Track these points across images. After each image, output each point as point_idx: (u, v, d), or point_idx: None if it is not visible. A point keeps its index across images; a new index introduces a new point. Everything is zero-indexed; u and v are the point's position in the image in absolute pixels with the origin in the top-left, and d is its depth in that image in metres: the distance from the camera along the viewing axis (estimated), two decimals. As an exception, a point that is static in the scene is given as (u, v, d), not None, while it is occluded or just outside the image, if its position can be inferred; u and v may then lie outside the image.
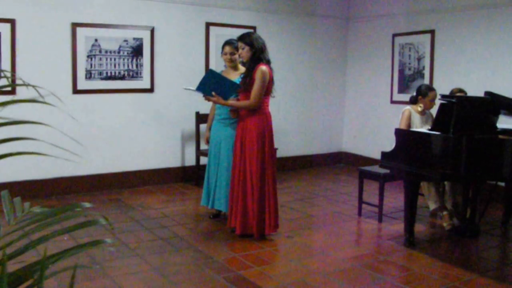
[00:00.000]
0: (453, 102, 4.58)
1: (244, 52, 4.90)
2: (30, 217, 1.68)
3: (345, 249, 4.88)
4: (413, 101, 5.80)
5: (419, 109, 5.72)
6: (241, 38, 4.94)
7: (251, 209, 4.89)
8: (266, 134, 4.90)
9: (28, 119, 1.75)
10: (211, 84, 4.93)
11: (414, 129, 5.56)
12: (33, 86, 1.57)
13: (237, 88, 4.99)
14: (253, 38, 4.91)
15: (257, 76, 4.79)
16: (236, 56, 5.40)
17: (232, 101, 5.02)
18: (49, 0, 6.28)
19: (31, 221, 1.64)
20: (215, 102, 5.08)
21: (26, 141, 1.82)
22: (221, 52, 5.53)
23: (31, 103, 1.70)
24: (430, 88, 5.77)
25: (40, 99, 1.66)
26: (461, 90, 5.80)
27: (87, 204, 1.72)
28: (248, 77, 4.89)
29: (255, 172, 4.84)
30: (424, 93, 5.69)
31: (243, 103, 4.94)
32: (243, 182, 4.90)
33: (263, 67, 4.81)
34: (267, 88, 4.87)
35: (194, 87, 5.03)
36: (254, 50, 4.86)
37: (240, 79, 5.20)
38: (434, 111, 5.86)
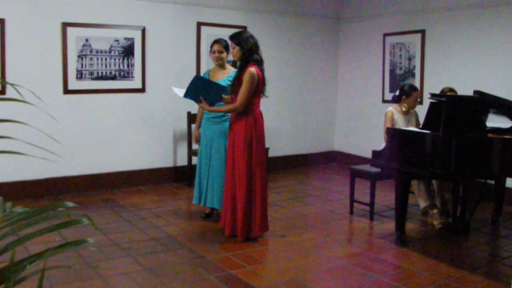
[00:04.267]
0: (443, 101, 4.62)
1: (234, 51, 4.88)
2: (12, 217, 1.66)
3: (336, 248, 4.90)
4: (396, 100, 5.82)
5: (403, 109, 5.75)
6: (232, 37, 4.90)
7: (240, 211, 4.89)
8: (254, 136, 4.84)
9: (18, 119, 1.75)
10: (198, 89, 4.91)
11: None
12: (11, 84, 1.55)
13: (224, 90, 4.99)
14: (243, 38, 4.83)
15: (245, 78, 4.73)
16: (224, 54, 5.41)
17: (217, 107, 5.01)
18: None
19: (12, 221, 1.63)
20: (202, 108, 5.07)
21: (11, 141, 1.81)
22: (210, 51, 5.55)
23: (19, 103, 1.69)
24: (413, 88, 5.80)
25: (29, 100, 1.66)
26: (451, 90, 5.84)
27: (70, 204, 1.71)
28: (237, 79, 4.87)
29: (243, 174, 4.83)
30: (408, 93, 5.72)
31: (228, 107, 4.92)
32: (233, 184, 4.91)
33: (252, 69, 4.74)
34: (257, 89, 4.81)
35: (182, 91, 5.00)
36: (243, 51, 4.82)
37: (228, 81, 5.21)
38: (419, 109, 5.92)
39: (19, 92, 1.69)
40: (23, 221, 1.62)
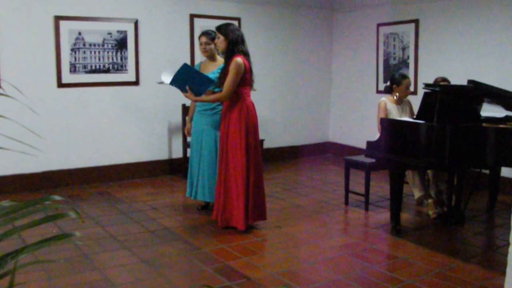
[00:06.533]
0: (436, 91, 4.62)
1: (219, 41, 4.91)
2: None
3: (332, 238, 4.91)
4: (388, 90, 5.83)
5: (395, 97, 5.75)
6: (218, 28, 4.94)
7: (235, 202, 4.88)
8: (248, 125, 4.86)
9: (9, 114, 1.74)
10: (186, 78, 4.88)
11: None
12: None
13: (212, 83, 4.98)
14: (228, 29, 4.88)
15: (231, 67, 4.76)
16: (212, 46, 5.40)
17: (203, 97, 5.00)
18: (32, -7, 6.23)
19: None
20: (187, 97, 5.08)
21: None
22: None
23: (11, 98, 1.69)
24: (403, 76, 5.80)
25: (22, 95, 1.65)
26: (444, 79, 5.84)
27: (57, 197, 1.70)
28: (224, 70, 4.90)
29: (239, 164, 4.83)
30: (398, 82, 5.72)
31: (214, 96, 4.93)
32: (227, 175, 4.90)
33: (238, 59, 4.77)
34: (246, 79, 4.85)
35: (169, 79, 4.98)
36: (228, 41, 4.84)
37: (217, 74, 5.20)
38: (414, 99, 5.92)
39: (0, 86, 1.69)
40: (10, 215, 1.61)
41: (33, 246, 1.57)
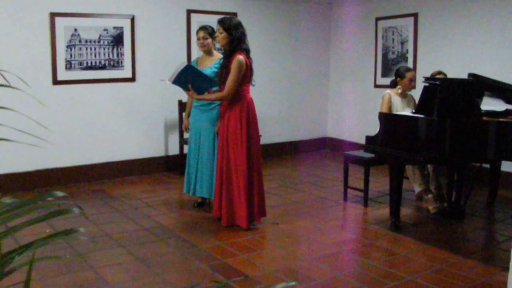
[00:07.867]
0: (436, 85, 4.56)
1: (220, 36, 4.76)
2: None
3: (331, 234, 4.86)
4: (393, 85, 5.78)
5: (399, 91, 5.69)
6: (221, 21, 4.78)
7: (237, 199, 4.83)
8: (249, 121, 4.80)
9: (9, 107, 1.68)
10: (188, 78, 4.82)
11: (395, 112, 5.54)
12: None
13: (213, 83, 4.90)
14: (232, 24, 4.72)
15: (233, 66, 4.65)
16: (209, 40, 5.33)
17: (205, 95, 4.92)
18: (26, -11, 6.16)
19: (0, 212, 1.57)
20: (189, 96, 5.01)
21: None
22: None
23: (6, 94, 1.63)
24: (407, 69, 5.75)
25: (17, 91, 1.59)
26: (440, 72, 5.79)
27: (60, 193, 1.65)
28: (225, 68, 4.78)
29: (240, 161, 4.76)
30: (402, 75, 5.67)
31: (216, 95, 4.83)
32: (228, 172, 4.84)
33: (240, 57, 4.66)
34: (246, 76, 4.75)
35: (171, 78, 4.91)
36: (231, 38, 4.73)
37: (214, 68, 5.14)
38: (414, 93, 5.87)
39: (4, 77, 1.63)
40: (12, 211, 1.56)
41: (41, 241, 1.53)
